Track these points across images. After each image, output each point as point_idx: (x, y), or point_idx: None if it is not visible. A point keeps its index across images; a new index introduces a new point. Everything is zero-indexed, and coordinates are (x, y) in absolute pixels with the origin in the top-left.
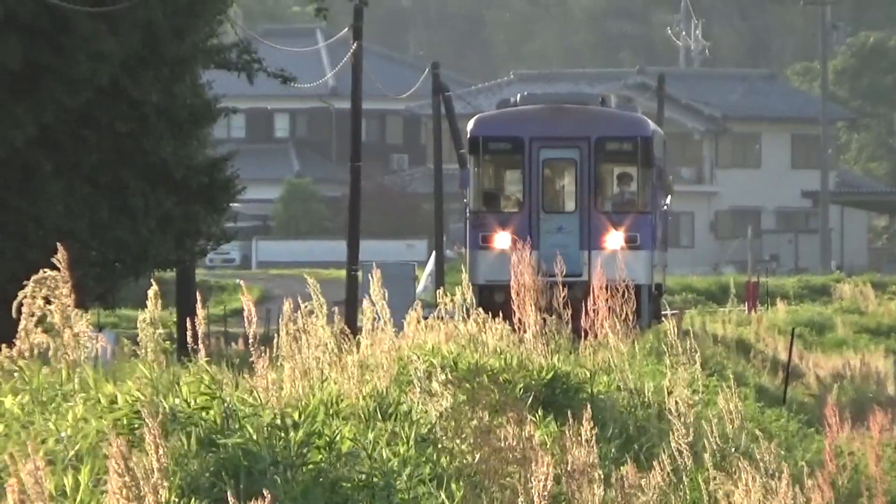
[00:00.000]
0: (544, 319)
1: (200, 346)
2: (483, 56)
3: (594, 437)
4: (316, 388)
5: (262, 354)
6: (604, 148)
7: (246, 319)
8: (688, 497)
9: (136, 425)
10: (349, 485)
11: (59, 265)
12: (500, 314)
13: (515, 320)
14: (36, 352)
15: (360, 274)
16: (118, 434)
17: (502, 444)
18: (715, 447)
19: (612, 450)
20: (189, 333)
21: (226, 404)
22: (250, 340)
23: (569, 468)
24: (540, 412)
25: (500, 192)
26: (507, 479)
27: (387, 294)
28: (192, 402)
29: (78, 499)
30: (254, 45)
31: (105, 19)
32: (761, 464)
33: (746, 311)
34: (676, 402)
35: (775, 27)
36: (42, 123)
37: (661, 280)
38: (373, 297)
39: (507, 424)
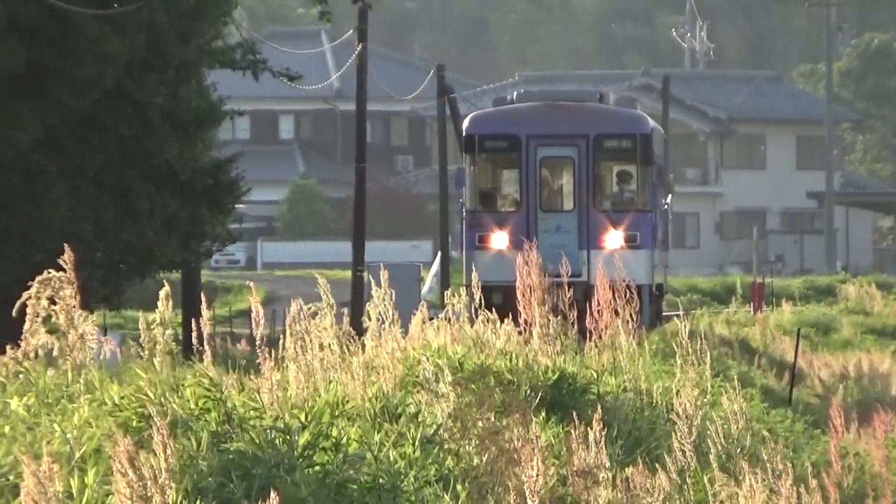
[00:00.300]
0: (548, 320)
1: (206, 347)
2: (488, 58)
3: (603, 439)
4: (321, 389)
5: (268, 356)
6: (602, 145)
7: (253, 321)
8: (693, 498)
9: (142, 427)
10: (355, 486)
11: (64, 266)
12: (498, 316)
13: (521, 321)
14: (41, 353)
15: (365, 275)
16: (126, 435)
17: (508, 446)
18: (720, 448)
19: (618, 451)
20: (195, 335)
21: (226, 407)
22: (257, 342)
23: (575, 469)
24: (544, 413)
25: (497, 192)
26: (513, 480)
27: (392, 295)
28: (195, 405)
29: (84, 500)
30: (259, 47)
31: (109, 22)
32: (768, 465)
33: (752, 312)
34: (683, 404)
35: (780, 29)
36: (46, 125)
37: (663, 280)
38: (378, 298)
39: (513, 426)
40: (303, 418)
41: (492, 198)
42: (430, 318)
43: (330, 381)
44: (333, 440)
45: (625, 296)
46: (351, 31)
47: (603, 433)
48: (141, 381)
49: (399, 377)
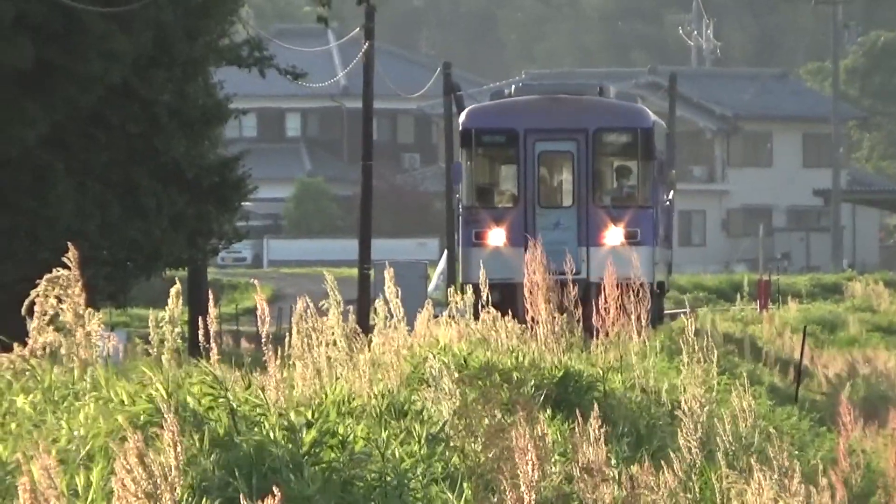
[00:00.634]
0: (554, 317)
1: (213, 344)
2: (495, 55)
3: (602, 436)
4: (328, 387)
5: (274, 353)
6: (602, 140)
7: (259, 319)
8: (699, 496)
9: (149, 424)
10: (361, 484)
11: (70, 264)
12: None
13: (528, 318)
14: (48, 351)
15: (371, 272)
16: (135, 431)
17: (514, 443)
18: (728, 445)
19: (624, 448)
20: (201, 332)
21: (231, 404)
22: (263, 339)
23: (580, 466)
24: (550, 411)
25: (494, 187)
26: (519, 477)
27: (399, 292)
28: (199, 403)
29: (90, 498)
30: (265, 44)
31: (116, 19)
32: (775, 462)
33: (758, 310)
34: (688, 401)
35: (786, 27)
36: (53, 122)
37: (665, 278)
38: (387, 296)
39: (518, 423)
40: (309, 416)
41: (489, 193)
42: (436, 316)
43: (336, 379)
44: (340, 438)
45: (628, 293)
46: (357, 29)
47: (602, 430)
48: (147, 378)
49: (405, 375)
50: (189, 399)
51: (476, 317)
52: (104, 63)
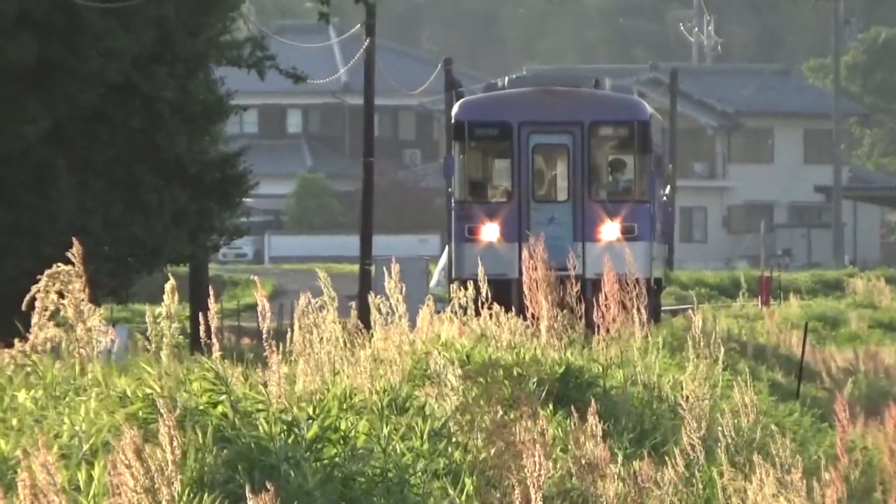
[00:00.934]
0: (556, 313)
1: (214, 340)
2: (497, 52)
3: (604, 432)
4: (329, 382)
5: (275, 349)
6: (598, 133)
7: (259, 315)
8: (701, 492)
9: (150, 420)
10: (363, 479)
11: (72, 260)
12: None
13: (529, 315)
14: (49, 346)
15: (373, 268)
16: (133, 427)
17: (516, 439)
18: (730, 441)
19: (626, 444)
20: (202, 328)
21: (232, 400)
22: (264, 335)
23: (581, 462)
24: (552, 407)
25: (488, 181)
26: (521, 473)
27: (403, 288)
28: (200, 398)
29: (91, 493)
30: (267, 41)
31: (117, 16)
32: (777, 458)
33: (759, 306)
34: (688, 398)
35: (788, 23)
36: (55, 119)
37: (661, 275)
38: (388, 291)
39: (520, 419)
40: (310, 411)
41: (482, 188)
42: (438, 312)
43: (336, 373)
44: (341, 433)
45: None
46: (359, 25)
47: (600, 426)
48: (147, 374)
49: (406, 370)
50: (189, 395)
51: (470, 312)
52: (105, 60)
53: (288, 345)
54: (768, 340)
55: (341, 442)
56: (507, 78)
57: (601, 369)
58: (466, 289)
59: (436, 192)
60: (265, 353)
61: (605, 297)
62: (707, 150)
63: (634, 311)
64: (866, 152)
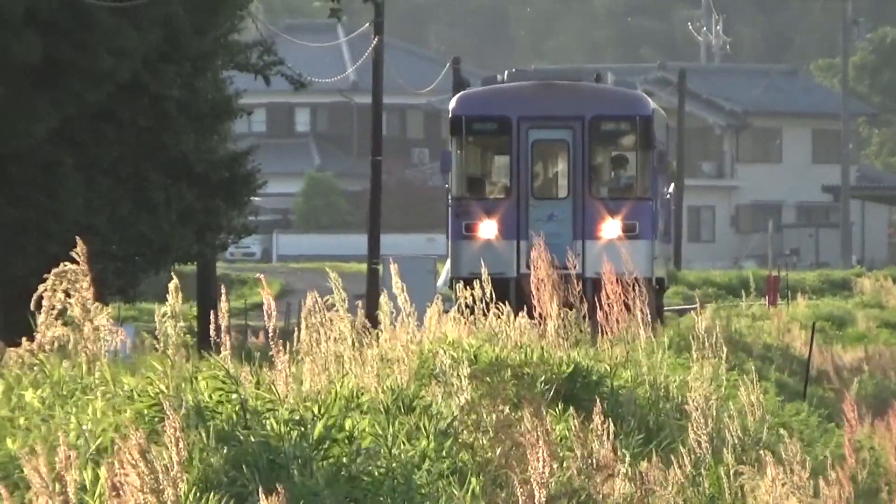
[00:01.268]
0: (563, 313)
1: (224, 339)
2: (504, 51)
3: (611, 432)
4: (336, 381)
5: (282, 348)
6: (599, 128)
7: (266, 314)
8: (707, 491)
9: (157, 419)
10: (369, 479)
11: (78, 259)
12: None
13: (535, 314)
14: (56, 345)
15: (380, 267)
16: (138, 428)
17: (522, 439)
18: (736, 441)
19: (633, 444)
20: (212, 327)
21: (242, 399)
22: (270, 334)
23: (589, 462)
24: (560, 406)
25: (486, 177)
26: (527, 473)
27: (404, 287)
28: (209, 397)
29: (97, 492)
30: (275, 40)
31: (125, 15)
32: (785, 457)
33: (767, 306)
34: (695, 398)
35: (796, 23)
36: (63, 117)
37: (664, 274)
38: (393, 290)
39: (527, 419)
40: (316, 410)
41: (480, 184)
42: (445, 311)
43: (346, 374)
44: (347, 433)
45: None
46: (367, 24)
47: (606, 426)
48: (153, 373)
49: (413, 370)
50: (196, 394)
51: (478, 312)
52: (113, 59)
53: (295, 344)
54: (775, 340)
55: (347, 441)
56: (506, 72)
57: (608, 369)
58: (472, 288)
59: (444, 192)
60: (271, 353)
61: (608, 296)
62: (715, 149)
63: (637, 311)
64: (874, 152)
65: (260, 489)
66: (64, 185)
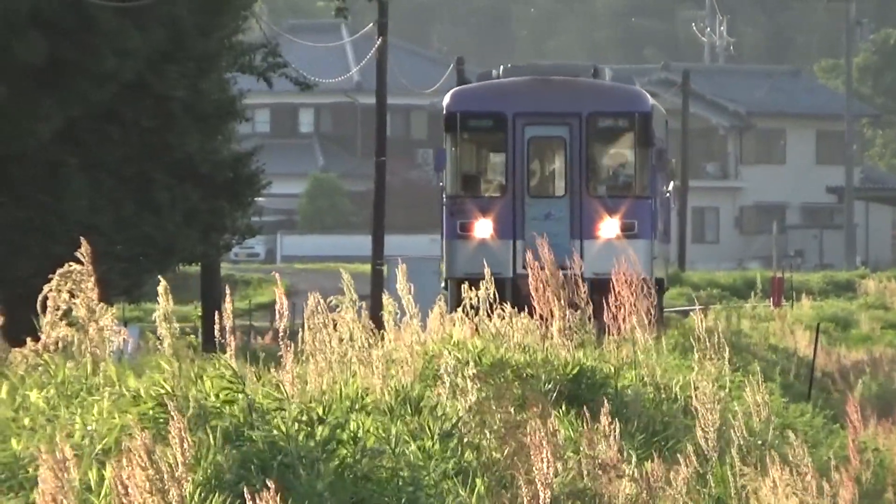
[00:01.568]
0: (567, 314)
1: (229, 339)
2: (507, 51)
3: (616, 432)
4: (341, 382)
5: (288, 348)
6: (597, 125)
7: (278, 313)
8: (713, 491)
9: (161, 419)
10: (374, 479)
11: (83, 259)
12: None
13: (537, 316)
14: (61, 346)
15: (385, 268)
16: (143, 428)
17: (527, 439)
18: (741, 441)
19: (637, 444)
20: (217, 327)
21: (249, 399)
22: (280, 335)
23: (594, 463)
24: (564, 407)
25: (481, 175)
26: (532, 473)
27: (411, 288)
28: (215, 397)
29: (103, 492)
30: (279, 40)
31: (130, 15)
32: (790, 458)
33: (771, 307)
34: (701, 396)
35: (799, 23)
36: (67, 118)
37: (663, 274)
38: (399, 291)
39: (532, 419)
40: (320, 412)
41: (475, 182)
42: (450, 312)
43: (353, 375)
44: (352, 433)
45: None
46: (371, 24)
47: (612, 427)
48: (158, 374)
49: (418, 370)
50: (201, 394)
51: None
52: (118, 59)
53: (300, 344)
54: (780, 342)
55: (352, 442)
56: (501, 67)
57: (612, 370)
58: (478, 289)
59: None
60: (278, 353)
61: (616, 297)
62: (719, 150)
63: (636, 312)
64: (878, 153)
65: (254, 490)
66: (68, 186)
